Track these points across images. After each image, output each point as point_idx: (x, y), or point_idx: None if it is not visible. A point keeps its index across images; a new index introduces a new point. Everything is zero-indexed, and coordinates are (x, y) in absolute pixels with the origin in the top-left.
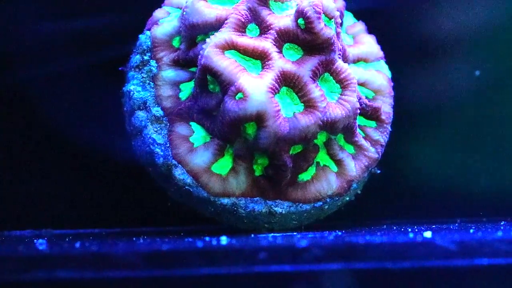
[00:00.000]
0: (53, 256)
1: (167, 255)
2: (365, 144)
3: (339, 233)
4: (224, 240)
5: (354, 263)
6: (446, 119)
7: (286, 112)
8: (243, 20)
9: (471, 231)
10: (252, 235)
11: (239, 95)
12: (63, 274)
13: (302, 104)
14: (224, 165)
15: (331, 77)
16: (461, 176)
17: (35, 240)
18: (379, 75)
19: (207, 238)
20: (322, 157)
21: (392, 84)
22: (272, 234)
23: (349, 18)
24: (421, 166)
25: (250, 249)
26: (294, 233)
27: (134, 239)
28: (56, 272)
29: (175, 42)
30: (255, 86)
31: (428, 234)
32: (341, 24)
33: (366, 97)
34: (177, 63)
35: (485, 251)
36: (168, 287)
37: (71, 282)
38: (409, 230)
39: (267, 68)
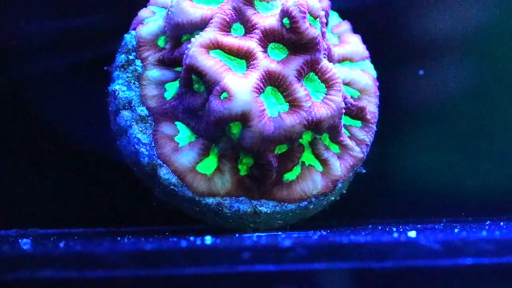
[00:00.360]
0: (37, 255)
1: (151, 255)
2: (350, 143)
3: (324, 232)
4: (208, 239)
5: (338, 262)
6: (431, 119)
7: (271, 112)
8: (228, 20)
9: (456, 230)
10: (237, 235)
11: (224, 94)
12: (47, 274)
13: (287, 103)
14: (209, 164)
15: (316, 77)
16: (447, 175)
17: (20, 240)
18: (365, 75)
19: (191, 238)
20: (307, 157)
21: (377, 83)
22: (256, 233)
23: (334, 18)
24: (406, 165)
25: (234, 248)
26: (279, 233)
27: (118, 238)
28: (40, 272)
29: (160, 42)
30: (240, 86)
31: (412, 234)
32: (327, 24)
33: (352, 97)
34: (162, 63)
35: (469, 250)
36: (152, 287)
37: (55, 281)
38: (394, 229)
39: (252, 68)
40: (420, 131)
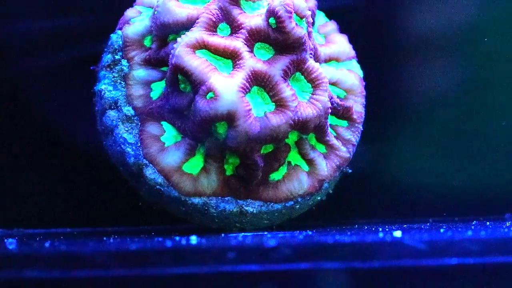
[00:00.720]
0: (22, 255)
1: (136, 255)
2: (337, 143)
3: (309, 232)
4: (194, 239)
5: (323, 262)
6: (417, 119)
7: (257, 112)
8: (214, 20)
9: (442, 230)
10: (223, 235)
11: (210, 94)
12: (32, 274)
13: (273, 103)
14: (195, 164)
15: (303, 77)
16: (434, 175)
17: (5, 240)
18: (351, 75)
19: (177, 238)
20: (294, 157)
21: (363, 83)
22: (242, 233)
23: (321, 18)
24: (393, 166)
25: (219, 248)
26: (265, 233)
27: (104, 238)
28: (26, 272)
29: (147, 42)
30: (226, 86)
31: (398, 233)
32: (313, 24)
33: (338, 97)
34: (148, 63)
35: (454, 250)
36: (137, 287)
37: (40, 281)
38: (380, 229)
39: (238, 68)
40: (407, 131)
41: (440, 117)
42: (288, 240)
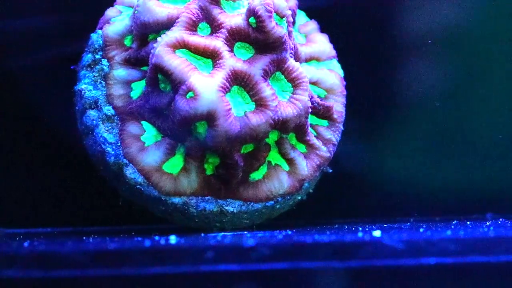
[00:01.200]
0: (1, 255)
1: (115, 254)
2: (317, 143)
3: (289, 232)
4: (173, 239)
5: (302, 262)
6: (398, 118)
7: (237, 111)
8: (194, 19)
9: (421, 230)
10: (202, 234)
11: (190, 94)
12: (10, 274)
13: (254, 103)
14: (175, 164)
15: (283, 76)
16: (415, 175)
17: None
18: (332, 74)
19: (156, 237)
20: (274, 156)
21: (344, 83)
22: (222, 233)
23: (301, 17)
24: (373, 165)
25: (198, 248)
26: (244, 233)
27: (84, 238)
28: (4, 272)
29: (127, 41)
30: (205, 85)
31: (377, 233)
32: (294, 23)
33: (318, 96)
34: (128, 62)
35: (432, 250)
36: (115, 287)
37: (19, 281)
38: (360, 229)
39: (218, 67)
40: (387, 131)
41: (421, 117)
42: (267, 239)
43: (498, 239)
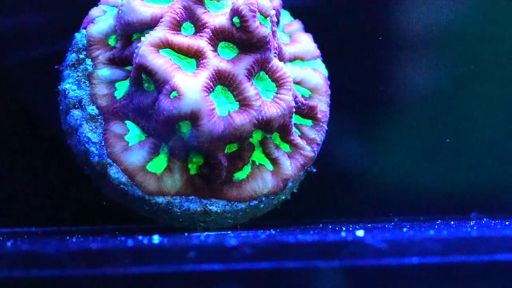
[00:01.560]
0: None
1: (97, 254)
2: (301, 142)
3: (272, 232)
4: (156, 239)
5: (284, 262)
6: (382, 118)
7: (221, 111)
8: (178, 19)
9: (405, 230)
10: (186, 234)
11: (174, 93)
12: None
13: (237, 102)
14: (159, 164)
15: (267, 76)
16: (399, 174)
17: None
18: (316, 74)
19: (139, 237)
20: (258, 156)
21: (328, 82)
22: (205, 233)
23: (286, 17)
24: (358, 165)
25: (180, 248)
26: (228, 232)
27: (67, 238)
28: None
29: (111, 41)
30: (189, 85)
31: (360, 233)
32: (278, 23)
33: (302, 96)
34: (112, 62)
35: (415, 250)
36: (98, 286)
37: (1, 281)
38: (344, 229)
39: (202, 67)
40: (372, 130)
41: (405, 117)
42: (250, 239)
43: (480, 239)
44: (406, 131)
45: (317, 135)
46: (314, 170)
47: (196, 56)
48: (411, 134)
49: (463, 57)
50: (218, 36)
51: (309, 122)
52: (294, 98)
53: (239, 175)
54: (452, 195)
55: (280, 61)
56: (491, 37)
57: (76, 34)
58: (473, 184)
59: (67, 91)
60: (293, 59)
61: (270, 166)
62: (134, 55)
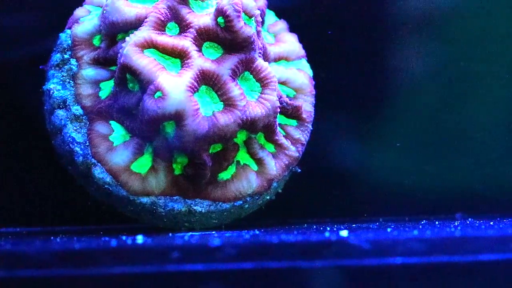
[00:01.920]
0: None
1: (81, 254)
2: (286, 143)
3: (256, 232)
4: (140, 239)
5: (267, 262)
6: (368, 117)
7: (206, 111)
8: (163, 19)
9: (389, 230)
10: (170, 234)
11: (158, 93)
12: None
13: (222, 102)
14: (143, 164)
15: (251, 76)
16: (384, 174)
17: None
18: (300, 74)
19: (123, 237)
20: (242, 156)
21: (313, 82)
22: (189, 233)
23: (270, 17)
24: (343, 165)
25: (164, 248)
26: (212, 232)
27: (51, 238)
28: None
29: (96, 41)
30: (174, 85)
31: (344, 233)
32: (262, 23)
33: (287, 96)
34: (97, 62)
35: (398, 250)
36: (82, 287)
37: None
38: (328, 229)
39: (186, 67)
40: (356, 130)
41: (390, 116)
42: (233, 239)
43: (464, 239)
44: (392, 131)
45: (302, 135)
46: (299, 170)
47: (180, 56)
48: (396, 134)
49: (453, 55)
50: (203, 36)
51: (293, 122)
52: (279, 98)
53: (224, 175)
54: (439, 195)
55: (265, 61)
56: (480, 34)
57: (60, 34)
58: (460, 184)
59: (51, 91)
60: (278, 59)
61: (254, 166)
62: (119, 55)
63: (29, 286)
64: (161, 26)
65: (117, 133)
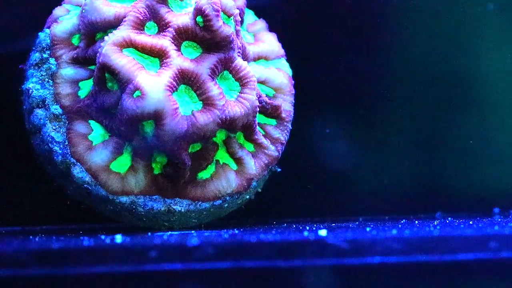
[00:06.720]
0: None
1: (58, 254)
2: (265, 142)
3: (236, 231)
4: (118, 238)
5: (246, 261)
6: (347, 117)
7: (185, 110)
8: (142, 18)
9: (368, 229)
10: (149, 234)
11: (137, 93)
12: None
13: (201, 102)
14: (122, 163)
15: (230, 75)
16: (365, 173)
17: None
18: (280, 73)
19: (102, 237)
20: (222, 155)
21: (292, 82)
22: (168, 232)
23: (250, 16)
24: (323, 164)
25: (142, 247)
26: (191, 232)
27: (30, 237)
28: None
29: (75, 40)
30: (152, 84)
31: (323, 232)
32: (242, 22)
33: (267, 95)
34: (76, 61)
35: (376, 249)
36: (60, 286)
37: None
38: (307, 228)
39: (165, 66)
40: (335, 129)
41: (370, 115)
42: (212, 239)
43: (442, 238)
44: (372, 130)
45: (281, 135)
46: (279, 169)
47: (159, 55)
48: (376, 133)
49: (438, 51)
50: (182, 36)
51: (273, 121)
52: (258, 98)
53: (203, 175)
54: (420, 195)
55: (244, 60)
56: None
57: (39, 33)
58: (441, 184)
59: (30, 90)
60: (257, 59)
61: (234, 166)
62: (98, 54)
63: (7, 286)
64: (140, 26)
65: (96, 132)
